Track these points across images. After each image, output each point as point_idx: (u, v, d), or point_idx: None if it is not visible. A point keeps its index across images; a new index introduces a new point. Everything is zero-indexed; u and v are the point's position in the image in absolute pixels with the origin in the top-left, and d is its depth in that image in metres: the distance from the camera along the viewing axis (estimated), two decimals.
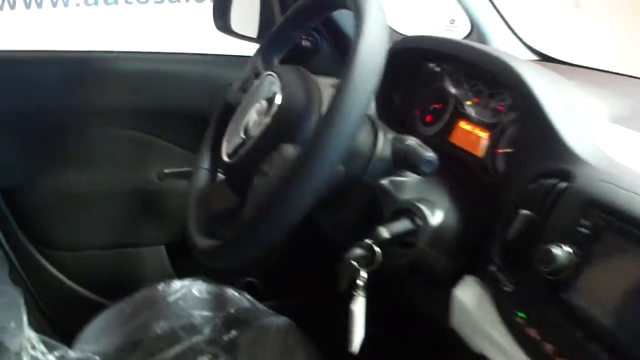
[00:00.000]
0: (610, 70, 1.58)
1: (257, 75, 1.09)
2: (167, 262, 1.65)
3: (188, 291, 1.39)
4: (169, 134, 1.59)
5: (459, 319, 0.97)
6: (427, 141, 1.17)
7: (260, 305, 1.39)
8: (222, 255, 0.88)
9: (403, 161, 0.91)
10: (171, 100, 1.56)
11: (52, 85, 1.53)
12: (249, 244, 0.81)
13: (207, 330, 1.31)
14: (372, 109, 1.28)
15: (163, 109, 1.57)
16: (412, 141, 0.91)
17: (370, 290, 0.90)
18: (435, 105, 1.22)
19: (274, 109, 0.91)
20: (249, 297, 1.40)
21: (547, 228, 0.79)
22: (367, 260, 0.87)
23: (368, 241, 0.86)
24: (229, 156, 0.98)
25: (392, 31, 1.57)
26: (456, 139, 1.14)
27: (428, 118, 1.23)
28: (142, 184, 1.60)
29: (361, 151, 0.93)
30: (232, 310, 1.36)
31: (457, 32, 1.71)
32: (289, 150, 0.83)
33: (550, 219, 0.79)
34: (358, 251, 0.86)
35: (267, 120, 0.92)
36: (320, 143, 0.74)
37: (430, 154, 0.88)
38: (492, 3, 1.58)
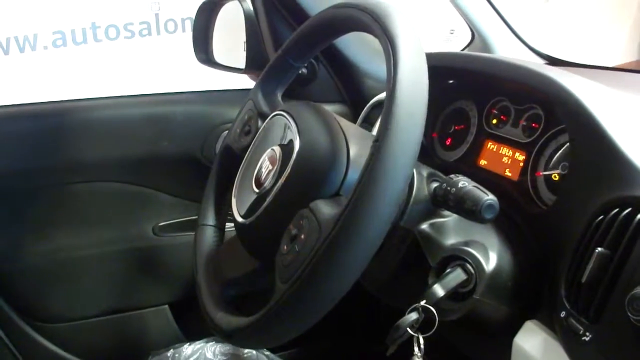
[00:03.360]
0: (624, 68, 1.52)
1: (261, 115, 0.98)
2: (172, 323, 1.54)
3: (201, 355, 1.26)
4: (159, 182, 1.48)
5: None
6: (451, 166, 1.07)
7: None
8: (253, 336, 0.75)
9: (444, 203, 0.79)
10: (157, 146, 1.45)
11: (27, 142, 1.40)
12: (287, 324, 0.70)
13: None
14: None
15: (149, 155, 1.46)
16: (464, 182, 0.78)
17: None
18: (456, 127, 1.12)
19: (293, 157, 0.80)
20: (267, 353, 1.28)
21: (629, 267, 0.68)
22: (423, 324, 0.75)
23: (422, 303, 0.75)
24: (243, 216, 0.86)
25: None
26: (485, 162, 1.04)
27: (448, 141, 1.12)
28: (137, 240, 1.49)
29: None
30: None
31: (458, 42, 1.63)
32: (324, 208, 0.71)
33: (633, 257, 0.68)
34: (413, 316, 0.75)
35: (286, 171, 0.80)
36: (369, 198, 0.62)
37: (490, 197, 0.75)
38: (495, 8, 1.51)
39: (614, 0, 8.58)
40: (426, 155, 1.14)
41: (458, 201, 0.76)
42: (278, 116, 0.89)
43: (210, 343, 1.28)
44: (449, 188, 0.78)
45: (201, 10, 1.51)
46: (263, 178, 0.84)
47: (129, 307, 1.51)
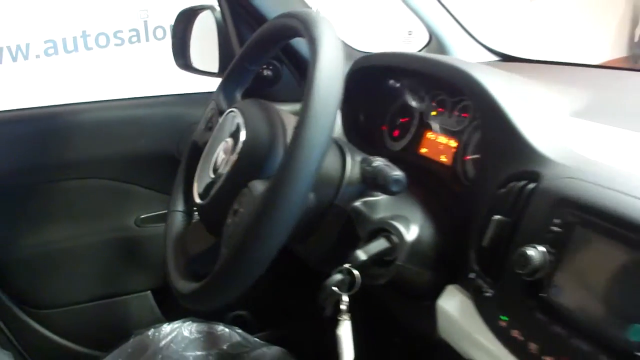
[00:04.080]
0: (571, 62, 1.61)
1: (220, 112, 1.10)
2: (155, 307, 1.65)
3: (179, 333, 1.38)
4: (141, 178, 1.60)
5: (445, 329, 0.97)
6: (397, 155, 1.19)
7: (252, 338, 1.39)
8: (203, 297, 0.88)
9: (372, 182, 0.91)
10: (139, 145, 1.57)
11: (22, 144, 1.52)
12: (228, 284, 0.81)
13: None
14: (340, 133, 1.30)
15: (132, 154, 1.58)
16: (379, 162, 0.91)
17: (358, 312, 0.90)
18: (402, 120, 1.23)
19: (239, 145, 0.92)
20: (239, 331, 1.40)
21: (520, 230, 0.80)
22: (348, 285, 0.87)
23: (346, 266, 0.86)
24: (200, 197, 0.99)
25: (353, 50, 1.59)
26: (425, 150, 1.15)
27: (395, 133, 1.24)
28: (121, 232, 1.60)
29: (331, 177, 0.94)
30: (224, 347, 1.35)
31: (416, 42, 1.73)
32: (258, 186, 0.84)
33: (523, 221, 0.80)
34: (338, 277, 0.86)
35: (234, 157, 0.92)
36: (287, 175, 0.74)
37: (397, 173, 0.89)
38: (448, 11, 1.60)
39: None
40: (377, 145, 1.26)
41: (372, 178, 0.89)
42: (231, 113, 1.01)
43: (187, 323, 1.40)
44: (366, 167, 0.91)
45: (178, 19, 1.63)
46: (218, 165, 0.96)
47: (114, 293, 1.62)
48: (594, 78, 1.41)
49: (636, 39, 9.32)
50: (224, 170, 0.94)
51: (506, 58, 1.67)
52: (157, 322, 1.44)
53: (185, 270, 0.98)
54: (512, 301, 0.80)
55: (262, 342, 1.38)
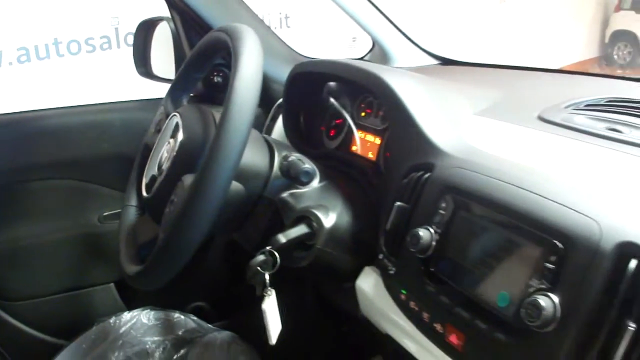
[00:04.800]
0: (504, 64, 1.72)
1: (167, 116, 1.21)
2: (117, 298, 1.75)
3: (138, 320, 1.48)
4: (104, 179, 1.70)
5: (365, 307, 1.09)
6: (333, 153, 1.31)
7: (205, 324, 1.50)
8: (145, 277, 0.99)
9: (287, 175, 1.03)
10: (100, 148, 1.68)
11: None
12: (164, 264, 0.93)
13: (158, 354, 1.40)
14: (282, 133, 1.41)
15: (94, 156, 1.69)
16: (293, 157, 1.04)
17: (293, 296, 1.01)
18: (337, 121, 1.35)
19: (177, 144, 1.04)
20: (194, 318, 1.51)
21: (415, 214, 0.92)
22: (270, 264, 0.98)
23: (268, 248, 0.98)
24: (147, 191, 1.11)
25: (299, 55, 1.70)
26: (355, 147, 1.27)
27: (332, 132, 1.36)
28: (85, 228, 1.71)
29: (259, 171, 1.06)
30: (180, 332, 1.46)
31: (360, 48, 1.84)
32: (188, 179, 0.95)
33: (418, 206, 0.93)
34: (261, 258, 0.98)
35: (173, 155, 1.04)
36: (209, 170, 0.86)
37: (307, 166, 1.02)
38: (389, 19, 1.71)
39: (572, 0, 8.85)
40: (316, 144, 1.38)
41: (287, 170, 1.02)
42: (174, 116, 1.12)
43: (146, 311, 1.51)
44: (283, 162, 1.03)
45: (138, 30, 1.75)
46: (162, 162, 1.08)
47: (79, 286, 1.72)
48: (515, 79, 1.53)
49: (607, 40, 9.53)
50: (165, 166, 1.06)
51: (445, 61, 1.78)
52: (120, 311, 1.53)
53: (134, 257, 1.10)
54: (409, 276, 0.92)
55: (214, 327, 1.49)
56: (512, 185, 0.81)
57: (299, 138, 1.39)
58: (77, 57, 3.34)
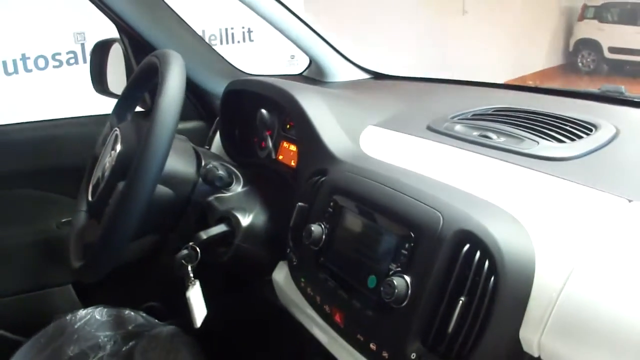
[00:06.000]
0: (432, 78, 1.86)
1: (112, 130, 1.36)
2: (75, 298, 1.88)
3: (92, 317, 1.61)
4: (61, 188, 1.85)
5: (281, 297, 1.25)
6: (263, 162, 1.46)
7: (153, 320, 1.64)
8: (86, 270, 1.14)
9: (205, 180, 1.19)
10: (57, 160, 1.82)
11: None
12: (100, 258, 1.08)
13: (109, 346, 1.54)
14: (218, 144, 1.56)
15: (53, 167, 1.83)
16: (211, 165, 1.19)
17: (222, 291, 1.16)
18: (267, 133, 1.49)
19: (115, 155, 1.19)
20: (143, 314, 1.65)
21: (312, 213, 1.08)
22: (192, 258, 1.14)
23: (191, 243, 1.14)
24: (92, 197, 1.25)
25: (240, 72, 1.85)
26: (281, 157, 1.42)
27: (263, 144, 1.50)
28: (44, 234, 1.84)
29: (187, 177, 1.22)
30: (129, 327, 1.59)
31: (298, 65, 1.98)
32: (120, 184, 1.11)
33: (314, 206, 1.08)
34: (184, 252, 1.14)
35: (112, 164, 1.19)
36: (135, 177, 1.01)
37: (220, 172, 1.18)
38: (324, 39, 1.85)
39: (535, 10, 9.07)
40: (250, 154, 1.52)
41: (205, 176, 1.17)
42: (115, 131, 1.27)
43: (99, 308, 1.65)
44: (202, 169, 1.19)
45: (94, 50, 1.88)
46: (105, 171, 1.23)
47: (40, 286, 1.85)
48: (427, 91, 1.69)
49: (571, 49, 9.80)
50: (106, 174, 1.21)
51: (377, 76, 1.94)
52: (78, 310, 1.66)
53: (80, 254, 1.24)
54: (306, 266, 1.08)
55: (160, 322, 1.64)
56: (386, 186, 0.96)
57: (234, 149, 1.54)
58: (44, 72, 3.44)
